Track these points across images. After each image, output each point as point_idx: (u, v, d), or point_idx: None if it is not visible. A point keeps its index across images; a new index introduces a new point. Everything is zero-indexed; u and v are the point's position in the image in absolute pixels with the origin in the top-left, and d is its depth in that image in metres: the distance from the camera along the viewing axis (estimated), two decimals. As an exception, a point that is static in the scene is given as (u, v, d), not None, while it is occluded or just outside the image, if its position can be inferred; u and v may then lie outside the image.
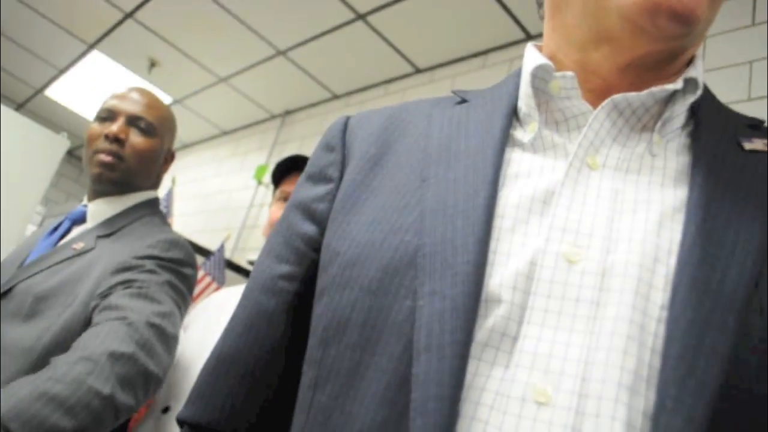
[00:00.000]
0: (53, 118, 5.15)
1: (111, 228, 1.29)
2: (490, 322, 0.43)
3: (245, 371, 0.56)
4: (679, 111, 0.52)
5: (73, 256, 1.23)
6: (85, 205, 1.38)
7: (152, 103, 1.41)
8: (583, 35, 0.54)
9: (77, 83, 4.60)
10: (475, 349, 0.43)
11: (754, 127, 0.54)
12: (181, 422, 0.57)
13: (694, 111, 0.54)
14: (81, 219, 1.36)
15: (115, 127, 1.32)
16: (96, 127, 1.35)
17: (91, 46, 4.05)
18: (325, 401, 0.47)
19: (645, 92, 0.51)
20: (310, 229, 0.59)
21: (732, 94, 1.93)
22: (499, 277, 0.45)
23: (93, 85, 4.56)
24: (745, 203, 0.45)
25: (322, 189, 0.60)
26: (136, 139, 1.35)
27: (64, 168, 3.79)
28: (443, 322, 0.43)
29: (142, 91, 1.42)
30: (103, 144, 1.32)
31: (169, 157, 1.48)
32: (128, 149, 1.34)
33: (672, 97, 0.53)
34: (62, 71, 4.49)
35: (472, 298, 0.43)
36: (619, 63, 0.53)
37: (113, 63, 4.16)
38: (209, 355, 0.59)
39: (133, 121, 1.36)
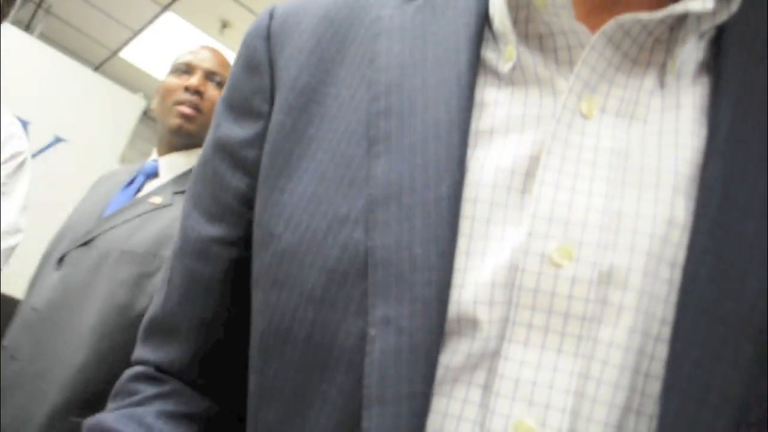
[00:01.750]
0: (128, 80, 5.27)
1: (185, 184, 1.30)
2: (465, 344, 0.36)
3: (188, 345, 0.49)
4: (705, 29, 0.39)
5: (153, 211, 1.26)
6: (155, 160, 1.40)
7: (224, 61, 1.44)
8: None
9: (151, 44, 4.68)
10: (448, 374, 0.36)
11: None
12: (136, 362, 0.52)
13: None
14: (153, 173, 1.39)
15: (194, 80, 1.35)
16: (174, 80, 1.38)
17: (165, 8, 4.10)
18: (271, 421, 0.41)
19: (663, 13, 0.37)
20: (242, 183, 0.47)
21: None
22: (473, 289, 0.36)
23: (166, 47, 4.63)
24: None
25: (249, 129, 0.47)
26: (213, 92, 1.37)
27: (139, 128, 3.88)
28: (399, 366, 0.35)
29: (214, 50, 1.46)
30: (183, 95, 1.34)
31: None
32: (207, 102, 1.36)
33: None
34: (136, 33, 4.57)
35: (436, 332, 0.35)
36: None
37: (186, 24, 4.21)
38: (147, 314, 0.53)
39: (210, 75, 1.39)
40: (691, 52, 0.40)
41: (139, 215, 1.26)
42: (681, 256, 0.35)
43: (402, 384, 0.35)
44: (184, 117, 1.33)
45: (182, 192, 1.28)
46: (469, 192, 0.38)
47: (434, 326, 0.35)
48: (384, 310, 0.36)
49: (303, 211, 0.41)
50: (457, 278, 0.37)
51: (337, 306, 0.38)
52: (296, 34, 0.47)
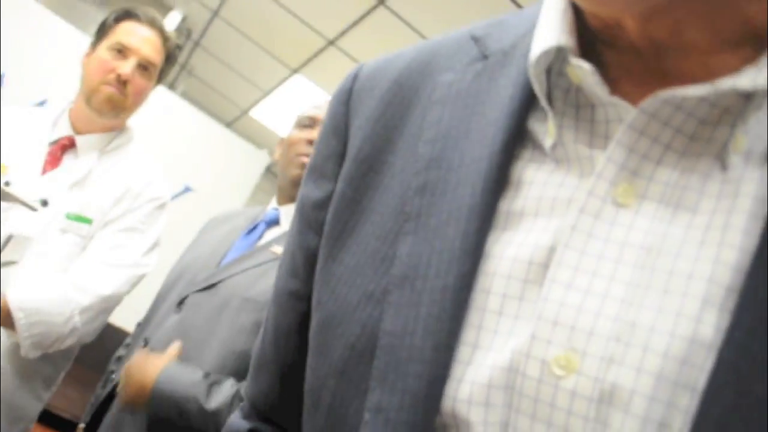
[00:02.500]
0: (255, 137, 5.58)
1: None
2: None
3: (274, 381, 0.54)
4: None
5: (274, 260, 1.28)
6: (276, 208, 1.43)
7: None
8: None
9: (279, 105, 4.94)
10: None
11: None
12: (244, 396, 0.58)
13: None
14: (274, 221, 1.42)
15: (316, 134, 1.37)
16: (297, 133, 1.43)
17: (295, 71, 4.33)
18: None
19: (706, 88, 0.32)
20: (313, 242, 0.49)
21: None
22: (469, 387, 0.34)
23: (293, 107, 4.87)
24: None
25: (322, 191, 0.48)
26: None
27: (261, 182, 4.07)
28: None
29: None
30: (306, 148, 1.38)
31: None
32: None
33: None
34: (266, 93, 4.85)
35: (419, 428, 0.34)
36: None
37: (314, 87, 4.42)
38: (254, 350, 0.58)
39: None
40: (765, 129, 0.32)
41: (260, 264, 1.28)
42: (703, 381, 0.29)
43: None
44: (304, 167, 1.36)
45: None
46: (483, 282, 0.36)
47: (418, 423, 0.35)
48: (379, 397, 0.36)
49: (344, 283, 0.43)
50: (457, 371, 0.35)
51: (352, 381, 0.39)
52: (369, 100, 0.48)
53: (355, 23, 3.51)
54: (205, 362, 1.20)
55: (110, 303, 1.42)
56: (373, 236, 0.42)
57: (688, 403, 0.30)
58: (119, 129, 1.53)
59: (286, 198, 1.43)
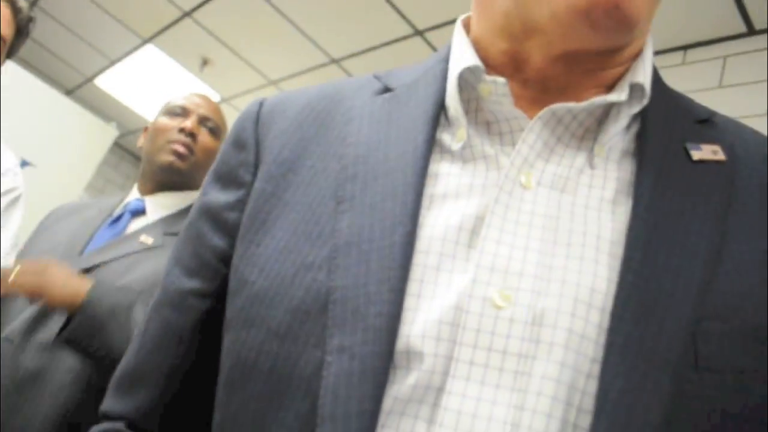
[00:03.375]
0: (101, 107, 5.22)
1: (175, 227, 1.33)
2: (412, 376, 0.40)
3: (155, 391, 0.53)
4: (623, 119, 0.48)
5: (144, 251, 1.26)
6: (140, 199, 1.41)
7: (217, 108, 1.52)
8: (511, 26, 0.48)
9: (128, 75, 4.66)
10: (395, 405, 0.40)
11: (704, 122, 0.51)
12: (103, 416, 0.55)
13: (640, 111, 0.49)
14: (139, 211, 1.39)
15: (189, 123, 1.41)
16: (167, 121, 1.43)
17: (146, 41, 4.10)
18: None
19: (587, 103, 0.46)
20: (220, 242, 0.54)
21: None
22: (421, 326, 0.41)
23: (144, 79, 4.61)
24: (686, 234, 0.42)
25: (232, 195, 0.54)
26: (206, 137, 1.44)
27: (108, 156, 3.82)
28: (350, 387, 0.39)
29: (207, 98, 1.53)
30: (176, 136, 1.39)
31: None
32: (199, 145, 1.42)
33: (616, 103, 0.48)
34: (114, 62, 4.55)
35: (384, 358, 0.40)
36: (552, 54, 0.48)
37: (167, 58, 4.21)
38: (119, 366, 0.57)
39: (204, 121, 1.45)
40: (618, 141, 0.48)
41: (129, 254, 1.26)
42: (609, 303, 0.41)
43: (352, 403, 0.39)
44: (177, 155, 1.38)
45: (173, 234, 1.31)
46: (421, 244, 0.44)
47: (383, 352, 0.40)
48: (340, 340, 0.41)
49: (275, 260, 0.47)
50: (407, 316, 0.42)
51: (298, 340, 0.43)
52: (281, 119, 0.55)
53: (214, -3, 3.39)
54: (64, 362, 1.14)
55: None
56: (302, 221, 0.48)
57: (599, 319, 0.40)
58: None
59: (152, 186, 1.42)
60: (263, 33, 3.55)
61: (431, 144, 0.48)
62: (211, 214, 0.55)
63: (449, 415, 0.39)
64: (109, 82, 4.88)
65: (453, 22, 2.84)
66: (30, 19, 1.40)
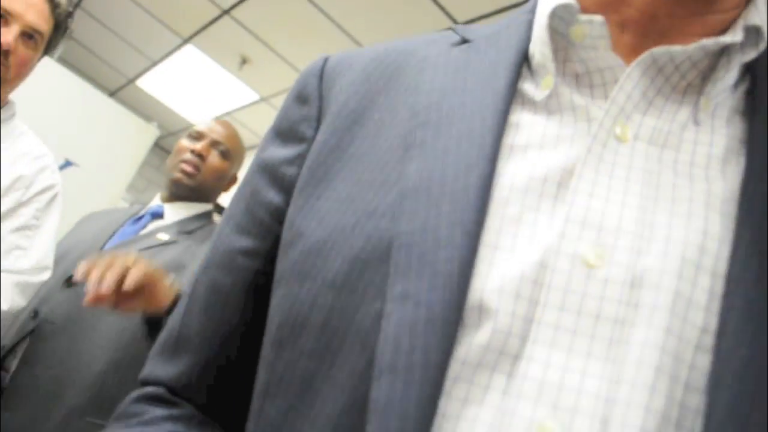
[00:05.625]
0: (142, 108, 5.30)
1: (188, 227, 1.57)
2: (484, 336, 0.35)
3: (198, 357, 0.51)
4: (734, 68, 0.41)
5: (159, 246, 1.47)
6: (161, 205, 1.65)
7: (232, 134, 1.71)
8: None
9: (169, 75, 4.71)
10: (463, 371, 0.34)
11: None
12: (143, 382, 0.53)
13: (751, 63, 0.43)
14: (158, 215, 1.62)
15: (200, 146, 1.63)
16: (185, 143, 1.65)
17: (186, 41, 4.14)
18: (274, 415, 0.40)
19: (694, 46, 0.40)
20: (276, 198, 0.50)
21: None
22: (499, 280, 0.36)
23: (184, 79, 4.66)
24: None
25: (292, 150, 0.51)
26: (214, 159, 1.66)
27: (148, 156, 3.87)
28: (414, 336, 0.34)
29: (226, 124, 1.72)
30: (188, 156, 1.62)
31: (233, 181, 1.75)
32: (207, 165, 1.64)
33: (727, 47, 0.42)
34: (155, 63, 4.61)
35: (455, 307, 0.35)
36: None
37: (206, 58, 4.24)
38: (165, 328, 0.54)
39: (215, 144, 1.66)
40: (726, 98, 0.42)
41: (146, 248, 1.45)
42: (721, 266, 0.35)
43: (416, 353, 0.34)
44: (184, 173, 1.61)
45: (188, 232, 1.55)
46: (499, 194, 0.39)
47: (453, 301, 0.35)
48: (403, 287, 0.36)
49: (335, 211, 0.43)
50: (482, 268, 0.36)
51: (356, 292, 0.38)
52: (348, 72, 0.51)
53: (252, -5, 3.40)
54: (103, 331, 1.35)
55: (7, 317, 1.30)
56: (366, 170, 0.44)
57: (710, 282, 0.35)
58: (0, 104, 1.38)
59: (169, 196, 1.66)
60: (301, 29, 3.54)
61: (512, 92, 0.43)
62: (268, 170, 0.52)
63: (529, 384, 0.33)
64: (150, 83, 4.95)
65: (493, 14, 2.78)
66: (69, 15, 1.39)
